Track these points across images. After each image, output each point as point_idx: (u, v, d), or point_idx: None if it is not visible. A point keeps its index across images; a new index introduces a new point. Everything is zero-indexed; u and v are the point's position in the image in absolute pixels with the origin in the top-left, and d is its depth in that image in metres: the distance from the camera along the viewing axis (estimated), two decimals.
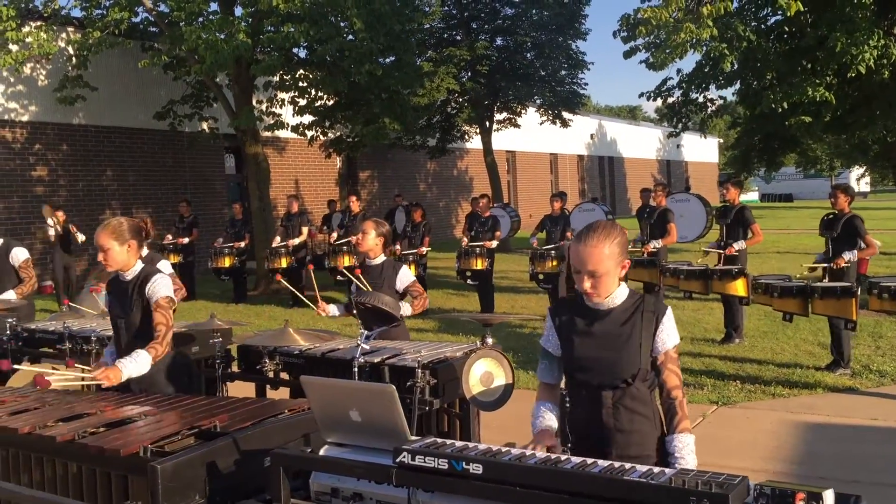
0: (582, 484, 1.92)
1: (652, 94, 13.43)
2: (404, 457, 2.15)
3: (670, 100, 13.81)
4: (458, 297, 13.03)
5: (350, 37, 13.53)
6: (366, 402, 2.28)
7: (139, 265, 3.80)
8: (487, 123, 22.95)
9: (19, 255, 6.37)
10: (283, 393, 4.87)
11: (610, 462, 2.04)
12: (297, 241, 12.62)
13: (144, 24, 15.51)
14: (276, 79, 14.91)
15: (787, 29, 10.79)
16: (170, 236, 13.63)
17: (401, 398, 4.06)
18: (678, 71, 13.34)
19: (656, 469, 1.97)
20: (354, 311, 4.03)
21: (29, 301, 6.24)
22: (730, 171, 33.32)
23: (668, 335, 2.52)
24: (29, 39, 13.55)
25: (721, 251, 8.60)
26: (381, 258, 4.97)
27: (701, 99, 13.89)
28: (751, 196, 54.60)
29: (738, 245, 8.45)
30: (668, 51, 9.25)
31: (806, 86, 10.00)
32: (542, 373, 2.76)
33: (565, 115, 23.46)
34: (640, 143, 44.24)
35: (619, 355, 2.49)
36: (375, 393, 2.27)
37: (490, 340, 3.99)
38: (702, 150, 53.54)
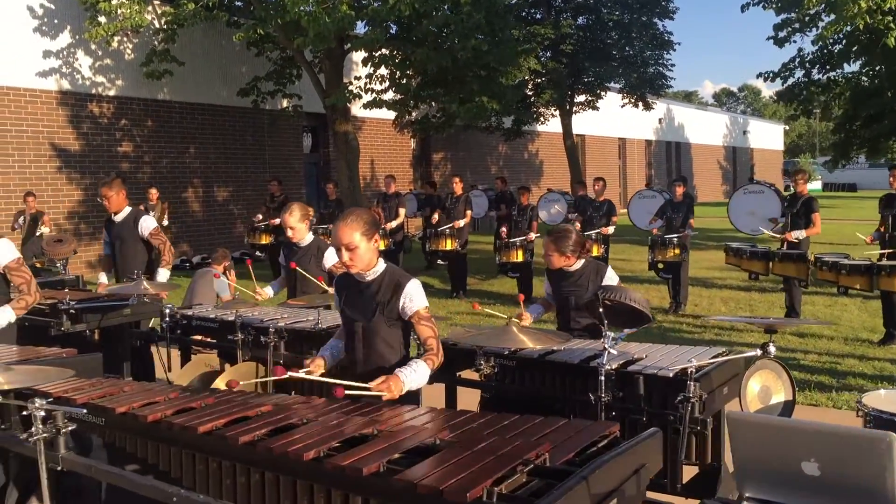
0: None
1: (771, 75, 12.56)
2: None
3: (790, 80, 12.91)
4: None
5: (447, 10, 12.88)
6: (839, 451, 1.68)
7: (381, 265, 3.19)
8: (568, 105, 22.15)
9: (147, 224, 5.93)
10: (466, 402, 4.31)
11: None
12: (394, 223, 12.12)
13: None
14: (366, 54, 14.35)
15: None
16: (260, 216, 13.18)
17: (657, 414, 3.50)
18: (799, 50, 12.43)
19: None
20: (600, 306, 3.43)
21: (170, 283, 5.81)
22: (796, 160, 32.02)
23: None
24: (120, 11, 13.22)
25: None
26: (580, 262, 4.49)
27: (824, 79, 12.96)
28: (814, 185, 52.57)
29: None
30: (835, 22, 8.45)
31: None
32: None
33: (649, 97, 22.56)
34: (706, 129, 42.91)
35: None
36: (863, 441, 1.66)
37: (772, 350, 3.37)
38: (767, 136, 51.89)
